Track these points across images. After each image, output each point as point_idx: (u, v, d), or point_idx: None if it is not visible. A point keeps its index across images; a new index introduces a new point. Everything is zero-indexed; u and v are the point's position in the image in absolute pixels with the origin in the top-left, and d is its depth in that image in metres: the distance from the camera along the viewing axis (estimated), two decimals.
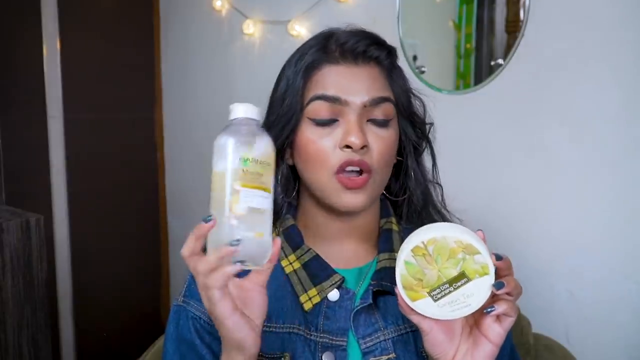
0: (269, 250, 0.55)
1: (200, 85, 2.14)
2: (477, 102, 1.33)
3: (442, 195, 0.78)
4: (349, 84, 0.66)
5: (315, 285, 0.68)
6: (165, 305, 2.36)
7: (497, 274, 0.54)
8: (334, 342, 0.67)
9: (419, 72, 1.41)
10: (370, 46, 0.68)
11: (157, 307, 2.36)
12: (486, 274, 0.53)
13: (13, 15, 1.88)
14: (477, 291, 0.53)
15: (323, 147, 0.66)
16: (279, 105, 0.70)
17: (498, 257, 0.54)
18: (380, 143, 0.67)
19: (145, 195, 2.31)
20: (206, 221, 0.53)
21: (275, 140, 0.69)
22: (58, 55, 1.97)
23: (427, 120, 0.76)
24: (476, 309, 0.54)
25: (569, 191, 1.18)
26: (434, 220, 0.75)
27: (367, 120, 0.67)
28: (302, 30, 1.71)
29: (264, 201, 0.54)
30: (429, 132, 0.76)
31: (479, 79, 1.34)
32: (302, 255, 0.71)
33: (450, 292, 0.54)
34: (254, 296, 0.58)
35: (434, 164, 0.78)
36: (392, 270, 0.70)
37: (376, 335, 0.68)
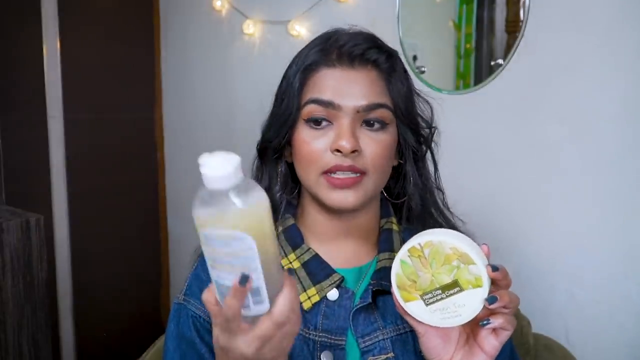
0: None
1: (200, 85, 2.14)
2: (477, 102, 1.33)
3: (444, 199, 0.78)
4: (344, 88, 0.66)
5: (314, 285, 0.69)
6: (165, 305, 2.36)
7: (494, 285, 0.54)
8: (332, 341, 0.67)
9: (419, 72, 1.41)
10: (369, 49, 0.68)
11: (157, 307, 2.36)
12: (479, 286, 0.53)
13: (13, 15, 1.88)
14: (469, 302, 0.53)
15: (315, 149, 0.66)
16: (279, 103, 0.71)
17: (494, 269, 0.53)
18: (374, 146, 0.67)
19: (145, 195, 2.31)
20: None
21: (274, 138, 0.70)
22: (58, 55, 1.97)
23: (434, 124, 0.76)
24: (467, 320, 0.54)
25: (569, 191, 1.18)
26: (434, 223, 0.75)
27: (362, 123, 0.67)
28: (302, 30, 1.71)
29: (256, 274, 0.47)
30: (432, 136, 0.76)
31: (479, 79, 1.34)
32: (301, 255, 0.71)
33: (442, 298, 0.54)
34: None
35: (436, 169, 0.78)
36: (391, 270, 0.71)
37: (375, 335, 0.68)
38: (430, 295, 0.54)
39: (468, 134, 1.34)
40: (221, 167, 0.43)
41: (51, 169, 1.99)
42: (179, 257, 2.32)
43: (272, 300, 0.48)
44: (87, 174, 2.07)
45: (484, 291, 0.53)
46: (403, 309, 0.56)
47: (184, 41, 2.18)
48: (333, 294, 0.69)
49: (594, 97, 1.13)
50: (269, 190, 0.74)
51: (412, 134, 0.72)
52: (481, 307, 0.53)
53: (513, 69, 1.25)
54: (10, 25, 1.88)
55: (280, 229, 0.75)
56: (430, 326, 0.57)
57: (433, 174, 0.78)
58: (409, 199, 0.76)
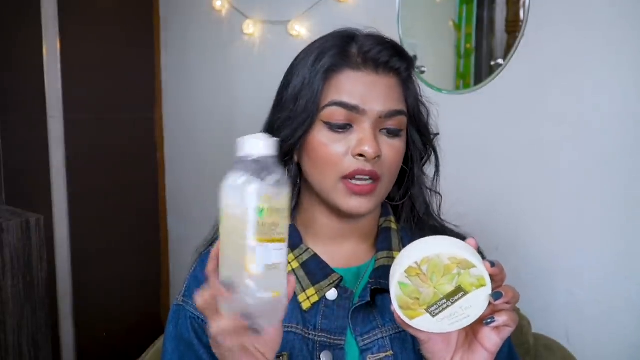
0: (284, 308, 0.52)
1: (200, 85, 2.14)
2: (477, 102, 1.33)
3: (440, 204, 0.78)
4: (368, 92, 0.66)
5: (313, 285, 0.69)
6: (165, 305, 2.36)
7: (492, 282, 0.54)
8: (331, 341, 0.67)
9: (419, 72, 1.41)
10: (393, 57, 0.68)
11: (157, 307, 2.36)
12: (483, 285, 0.53)
13: (13, 16, 1.88)
14: (475, 302, 0.53)
15: (334, 152, 0.66)
16: (291, 104, 0.68)
17: (491, 264, 0.53)
18: (392, 152, 0.67)
19: (145, 195, 2.31)
20: (225, 286, 0.50)
21: (287, 140, 0.68)
22: (58, 55, 1.97)
23: (432, 128, 0.76)
24: (475, 319, 0.54)
25: (569, 191, 1.18)
26: (432, 226, 0.75)
27: (380, 130, 0.67)
28: (302, 30, 1.71)
29: (280, 254, 0.50)
30: (433, 141, 0.76)
31: (479, 79, 1.34)
32: (300, 255, 0.71)
33: (448, 306, 0.54)
34: (269, 331, 0.57)
35: (437, 173, 0.78)
36: (390, 268, 0.71)
37: (374, 333, 0.68)
38: (435, 306, 0.54)
39: (468, 133, 1.34)
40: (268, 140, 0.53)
41: (51, 169, 1.99)
42: (179, 257, 2.32)
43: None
44: (87, 174, 2.07)
45: (488, 289, 0.53)
46: (409, 325, 0.56)
47: (184, 41, 2.18)
48: (332, 294, 0.69)
49: (594, 97, 1.13)
50: None
51: (421, 139, 0.74)
52: (487, 304, 0.53)
53: (513, 69, 1.25)
54: (10, 25, 1.88)
55: None
56: (433, 334, 0.57)
57: (433, 178, 0.78)
58: (413, 201, 0.76)
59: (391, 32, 0.72)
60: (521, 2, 1.23)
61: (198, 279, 0.74)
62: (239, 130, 2.25)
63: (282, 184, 0.50)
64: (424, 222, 0.76)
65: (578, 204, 1.17)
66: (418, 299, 0.54)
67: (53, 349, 1.77)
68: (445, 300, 0.53)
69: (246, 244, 0.48)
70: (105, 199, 2.12)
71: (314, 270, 0.70)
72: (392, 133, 0.68)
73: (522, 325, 1.04)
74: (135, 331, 2.09)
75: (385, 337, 0.68)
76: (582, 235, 1.17)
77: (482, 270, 0.52)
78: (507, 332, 0.55)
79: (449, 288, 0.53)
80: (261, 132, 0.75)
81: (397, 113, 0.67)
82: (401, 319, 0.55)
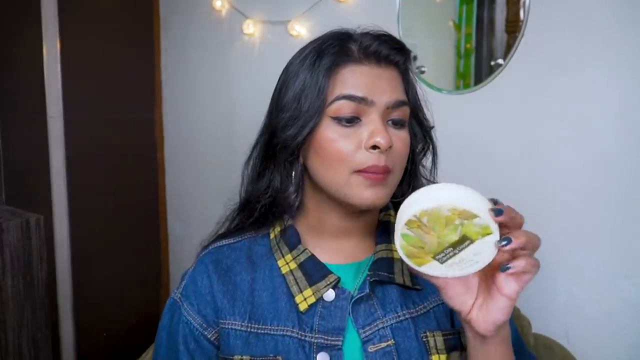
0: None
1: (200, 85, 2.14)
2: (477, 102, 1.33)
3: None
4: (374, 84, 0.66)
5: (310, 286, 0.69)
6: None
7: (506, 228, 0.53)
8: (329, 342, 0.67)
9: (419, 72, 1.42)
10: (393, 50, 0.68)
11: (157, 307, 2.36)
12: (489, 233, 0.51)
13: (13, 16, 1.88)
14: (484, 249, 0.52)
15: (344, 147, 0.65)
16: (294, 104, 0.68)
17: (497, 212, 0.52)
18: (400, 143, 0.68)
19: (145, 195, 2.30)
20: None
21: (293, 139, 0.68)
22: (58, 55, 1.97)
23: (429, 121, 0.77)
24: (485, 264, 0.53)
25: (569, 191, 1.18)
26: None
27: (387, 121, 0.67)
28: (302, 30, 1.71)
29: None
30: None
31: (479, 79, 1.34)
32: (298, 256, 0.71)
33: (455, 254, 0.53)
34: None
35: (435, 164, 0.78)
36: (388, 260, 0.71)
37: (375, 324, 0.68)
38: (442, 254, 0.53)
39: (468, 133, 1.34)
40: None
41: (51, 169, 1.99)
42: (179, 257, 2.32)
43: None
44: (87, 174, 2.07)
45: (495, 236, 0.52)
46: (418, 271, 0.55)
47: (184, 41, 2.18)
48: (329, 295, 0.69)
49: (594, 97, 1.13)
50: (283, 192, 0.72)
51: (421, 130, 0.74)
52: (496, 250, 0.52)
53: (513, 69, 1.25)
54: (10, 25, 1.88)
55: (278, 230, 0.75)
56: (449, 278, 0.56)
57: (430, 170, 0.78)
58: None
59: (391, 32, 0.72)
60: (521, 2, 1.23)
61: (195, 281, 0.74)
62: (238, 130, 2.26)
63: None
64: None
65: (578, 203, 1.17)
66: (423, 247, 0.53)
67: (53, 349, 1.77)
68: (451, 249, 0.53)
69: None
70: (105, 199, 2.12)
71: (311, 271, 0.70)
72: (398, 123, 0.68)
73: (522, 326, 1.04)
74: (135, 331, 2.09)
75: (386, 327, 0.68)
76: (582, 235, 1.17)
77: (486, 219, 0.51)
78: (527, 278, 0.54)
79: (454, 237, 0.52)
80: (259, 134, 0.75)
81: (402, 103, 0.68)
82: (410, 266, 0.55)
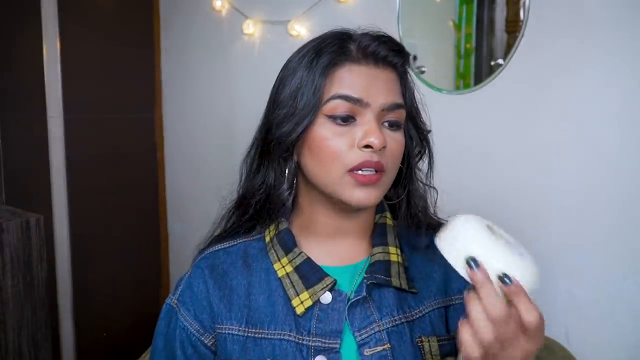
0: None
1: (200, 85, 2.14)
2: (477, 102, 1.33)
3: (435, 200, 0.79)
4: (371, 85, 0.66)
5: (307, 289, 0.68)
6: None
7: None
8: (326, 344, 0.67)
9: (419, 72, 1.42)
10: (391, 51, 0.68)
11: (157, 307, 2.33)
12: None
13: (13, 16, 1.88)
14: None
15: (338, 145, 0.65)
16: (290, 101, 0.68)
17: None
18: (394, 144, 0.68)
19: (145, 195, 2.30)
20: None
21: (287, 135, 0.67)
22: (58, 55, 1.97)
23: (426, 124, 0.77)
24: None
25: (569, 191, 1.18)
26: (428, 222, 0.75)
27: (382, 122, 0.67)
28: (302, 30, 1.71)
29: None
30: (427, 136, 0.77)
31: (479, 79, 1.34)
32: (294, 259, 0.71)
33: None
34: None
35: (431, 168, 0.78)
36: (385, 263, 0.71)
37: (371, 327, 0.68)
38: None
39: (468, 133, 1.34)
40: None
41: (51, 169, 1.99)
42: (179, 257, 2.32)
43: None
44: (87, 174, 2.07)
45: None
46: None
47: (184, 41, 2.18)
48: (326, 298, 0.68)
49: (594, 97, 1.13)
50: (276, 188, 0.72)
51: (417, 133, 0.74)
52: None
53: (513, 69, 1.25)
54: (10, 25, 1.88)
55: (273, 232, 0.75)
56: None
57: (427, 173, 0.78)
58: (410, 197, 0.76)
59: (391, 32, 0.72)
60: (521, 2, 1.23)
61: (192, 286, 0.74)
62: (238, 130, 2.25)
63: None
64: (421, 218, 0.76)
65: (578, 203, 1.17)
66: None
67: (53, 349, 1.77)
68: None
69: None
70: (105, 199, 2.12)
71: (307, 274, 0.69)
72: (394, 125, 0.68)
73: None
74: (135, 331, 2.09)
75: (382, 330, 0.68)
76: (582, 235, 1.17)
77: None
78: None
79: None
80: (257, 132, 0.75)
81: (398, 106, 0.68)
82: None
